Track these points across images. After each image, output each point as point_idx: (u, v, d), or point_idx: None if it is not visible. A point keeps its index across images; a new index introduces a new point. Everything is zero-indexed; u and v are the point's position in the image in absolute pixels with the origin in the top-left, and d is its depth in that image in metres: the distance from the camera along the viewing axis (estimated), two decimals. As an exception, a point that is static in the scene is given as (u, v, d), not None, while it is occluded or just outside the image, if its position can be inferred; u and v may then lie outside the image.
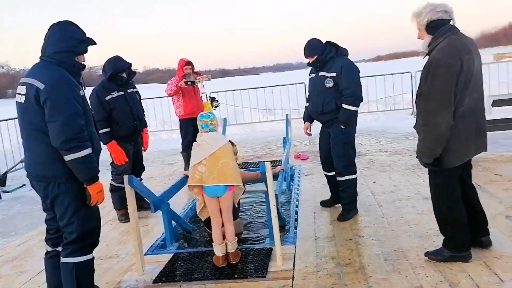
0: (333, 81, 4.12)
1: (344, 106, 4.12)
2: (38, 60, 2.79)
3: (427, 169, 3.21)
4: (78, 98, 2.71)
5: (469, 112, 2.95)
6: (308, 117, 4.64)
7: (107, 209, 5.41)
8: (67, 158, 2.66)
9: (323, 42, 4.30)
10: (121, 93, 4.92)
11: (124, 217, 4.90)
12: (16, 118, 3.45)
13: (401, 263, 3.28)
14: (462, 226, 3.17)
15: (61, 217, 2.77)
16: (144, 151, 5.44)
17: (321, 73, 4.22)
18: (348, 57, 4.32)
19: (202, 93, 11.88)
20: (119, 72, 4.90)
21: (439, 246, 3.30)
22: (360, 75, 4.20)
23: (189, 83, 6.96)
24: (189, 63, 7.09)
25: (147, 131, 5.46)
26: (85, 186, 2.76)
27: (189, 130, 6.83)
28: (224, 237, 3.56)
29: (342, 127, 4.20)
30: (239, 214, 4.56)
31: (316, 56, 4.24)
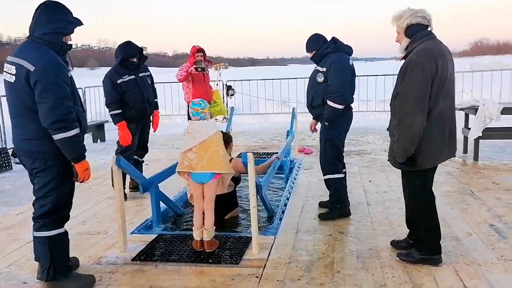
0: (323, 76, 4.11)
1: (328, 102, 4.10)
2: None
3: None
4: (66, 80, 2.84)
5: (443, 116, 3.00)
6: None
7: (107, 187, 5.61)
8: (56, 137, 2.80)
9: (328, 38, 4.29)
10: (132, 77, 5.09)
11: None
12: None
13: (372, 262, 3.33)
14: (434, 229, 3.21)
15: (39, 189, 2.92)
16: (154, 131, 5.63)
17: (316, 67, 4.24)
18: (350, 56, 4.26)
19: (219, 80, 12.06)
20: (129, 57, 5.06)
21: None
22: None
23: (199, 69, 7.09)
24: (200, 50, 7.21)
25: (158, 113, 5.62)
26: (72, 164, 2.91)
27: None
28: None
29: (326, 123, 4.21)
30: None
31: (314, 51, 4.26)
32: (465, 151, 6.93)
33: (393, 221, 4.15)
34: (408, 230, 3.49)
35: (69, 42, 2.97)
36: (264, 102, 12.60)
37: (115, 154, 5.20)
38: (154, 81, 5.53)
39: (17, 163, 7.37)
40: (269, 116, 12.30)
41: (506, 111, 6.40)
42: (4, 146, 7.70)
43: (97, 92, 11.23)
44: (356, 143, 8.28)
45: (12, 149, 7.07)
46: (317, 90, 4.21)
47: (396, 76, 3.11)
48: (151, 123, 5.52)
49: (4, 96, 3.15)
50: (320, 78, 4.14)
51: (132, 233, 4.08)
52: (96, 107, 11.51)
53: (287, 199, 4.95)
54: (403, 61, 3.07)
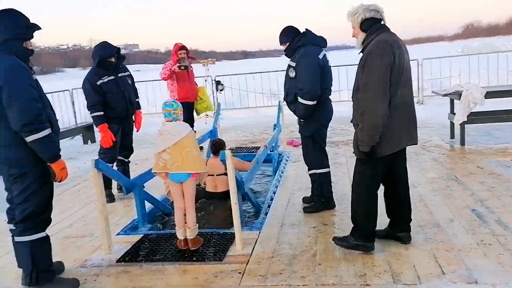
0: (294, 71, 4.01)
1: (298, 99, 3.99)
2: None
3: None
4: (32, 83, 2.87)
5: (402, 104, 3.10)
6: None
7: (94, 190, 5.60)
8: (29, 139, 2.82)
9: (300, 30, 4.16)
10: (112, 77, 5.08)
11: (108, 197, 5.07)
12: None
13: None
14: (371, 217, 3.31)
15: (19, 194, 2.93)
16: (137, 131, 5.63)
17: (289, 62, 4.13)
18: (324, 47, 4.13)
19: (207, 76, 12.01)
20: (107, 57, 5.04)
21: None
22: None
23: (182, 67, 7.07)
24: (183, 47, 7.19)
25: (141, 113, 5.63)
26: (48, 164, 2.93)
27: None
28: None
29: (301, 120, 4.17)
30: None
31: (287, 44, 4.16)
32: (452, 136, 6.96)
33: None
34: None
35: (30, 48, 2.98)
36: (254, 95, 12.59)
37: (98, 156, 5.22)
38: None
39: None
40: (260, 109, 12.27)
41: (490, 95, 6.43)
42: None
43: (86, 93, 11.15)
44: (345, 133, 8.28)
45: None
46: (290, 85, 4.11)
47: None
48: (133, 123, 5.52)
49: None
50: (292, 73, 4.04)
51: (118, 234, 4.11)
52: (85, 108, 11.43)
53: (274, 193, 4.98)
54: (361, 54, 3.17)
